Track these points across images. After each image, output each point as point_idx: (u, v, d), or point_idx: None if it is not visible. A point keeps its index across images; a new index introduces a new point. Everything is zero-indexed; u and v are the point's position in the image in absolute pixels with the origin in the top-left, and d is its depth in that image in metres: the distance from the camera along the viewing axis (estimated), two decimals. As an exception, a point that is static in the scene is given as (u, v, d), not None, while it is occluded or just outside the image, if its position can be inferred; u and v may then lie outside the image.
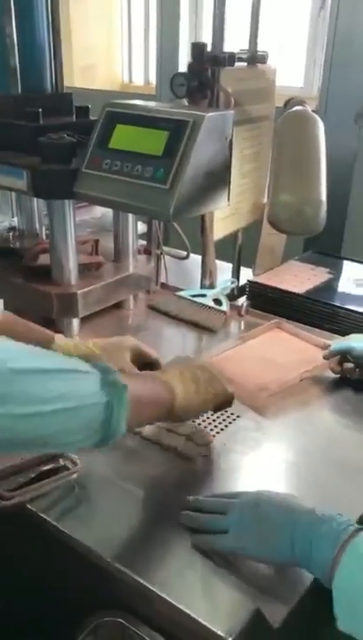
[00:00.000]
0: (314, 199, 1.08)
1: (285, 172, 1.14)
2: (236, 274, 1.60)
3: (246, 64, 1.40)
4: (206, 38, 1.29)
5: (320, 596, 0.72)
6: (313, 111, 2.37)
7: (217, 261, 1.63)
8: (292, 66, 3.26)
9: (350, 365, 1.17)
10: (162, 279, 1.59)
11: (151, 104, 1.18)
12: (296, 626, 0.81)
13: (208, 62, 1.27)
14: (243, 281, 1.57)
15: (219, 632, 0.70)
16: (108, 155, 1.14)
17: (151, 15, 3.75)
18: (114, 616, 0.85)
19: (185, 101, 1.32)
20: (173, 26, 3.32)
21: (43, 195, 1.22)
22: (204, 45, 1.26)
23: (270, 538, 0.75)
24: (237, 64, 1.35)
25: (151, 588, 0.75)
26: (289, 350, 1.28)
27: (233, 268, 1.60)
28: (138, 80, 4.18)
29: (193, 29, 3.52)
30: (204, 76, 1.27)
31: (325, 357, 1.20)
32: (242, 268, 1.67)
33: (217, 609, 0.73)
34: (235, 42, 1.40)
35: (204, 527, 0.82)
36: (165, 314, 1.45)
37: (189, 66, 1.27)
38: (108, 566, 0.79)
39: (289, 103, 1.34)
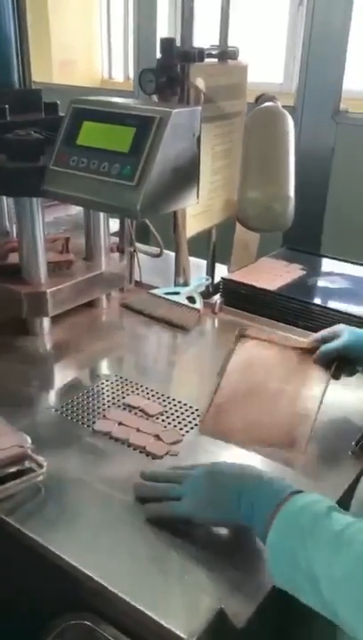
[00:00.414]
0: (282, 195, 1.08)
1: (253, 169, 1.14)
2: (210, 271, 1.59)
3: (216, 60, 1.39)
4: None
5: (288, 594, 0.72)
6: (291, 107, 2.37)
7: (192, 258, 1.63)
8: (272, 62, 3.26)
9: (353, 368, 1.07)
10: (136, 277, 1.58)
11: (118, 100, 1.16)
12: (263, 625, 0.81)
13: (177, 58, 1.26)
14: (218, 278, 1.56)
15: (181, 634, 0.69)
16: (76, 152, 1.13)
17: (131, 10, 3.73)
18: (81, 618, 0.84)
19: (155, 98, 1.31)
20: (150, 21, 3.30)
21: (10, 192, 1.21)
22: (172, 40, 1.25)
23: (220, 500, 0.79)
24: (208, 60, 1.35)
25: (114, 590, 0.74)
26: (274, 366, 1.08)
27: (208, 265, 1.60)
28: (118, 76, 4.16)
29: (172, 25, 3.50)
30: (173, 71, 1.26)
31: (316, 361, 1.07)
32: (218, 265, 1.66)
33: (180, 610, 0.73)
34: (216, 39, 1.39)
35: (159, 495, 0.85)
36: (139, 312, 1.44)
37: (158, 62, 1.26)
38: (72, 569, 0.78)
39: (260, 99, 1.34)
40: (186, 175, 1.13)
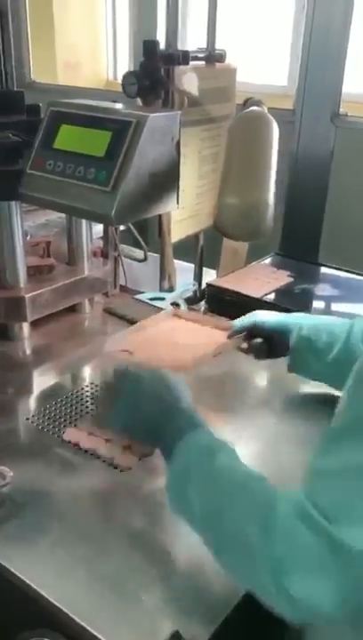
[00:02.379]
0: (261, 203, 1.05)
1: (233, 175, 1.11)
2: (198, 276, 1.57)
3: (203, 63, 1.37)
4: (189, 35, 1.26)
5: (253, 615, 0.69)
6: (290, 110, 2.33)
7: (182, 262, 1.60)
8: (276, 65, 3.23)
9: (258, 340, 1.12)
10: (122, 282, 1.55)
11: (98, 103, 1.14)
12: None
13: (161, 60, 1.24)
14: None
15: (132, 659, 0.67)
16: (53, 155, 1.11)
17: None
18: (41, 635, 0.82)
19: (140, 101, 1.28)
20: (150, 23, 3.27)
21: (-14, 196, 1.19)
22: (155, 43, 1.23)
23: (143, 428, 0.83)
24: (195, 63, 1.32)
25: (67, 612, 0.72)
26: (194, 334, 1.20)
27: (195, 270, 1.57)
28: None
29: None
30: (156, 74, 1.24)
31: (229, 337, 1.14)
32: (209, 270, 1.64)
33: (135, 633, 0.70)
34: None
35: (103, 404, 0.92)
36: (121, 318, 1.42)
37: (141, 64, 1.24)
38: (27, 588, 0.76)
39: (247, 103, 1.31)
40: (165, 180, 1.11)
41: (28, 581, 0.75)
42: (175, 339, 1.18)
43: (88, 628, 0.70)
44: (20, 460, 0.95)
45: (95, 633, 0.69)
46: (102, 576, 0.77)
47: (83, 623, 0.70)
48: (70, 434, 1.01)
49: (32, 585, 0.75)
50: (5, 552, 0.79)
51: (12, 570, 0.77)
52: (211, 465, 0.74)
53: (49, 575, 0.77)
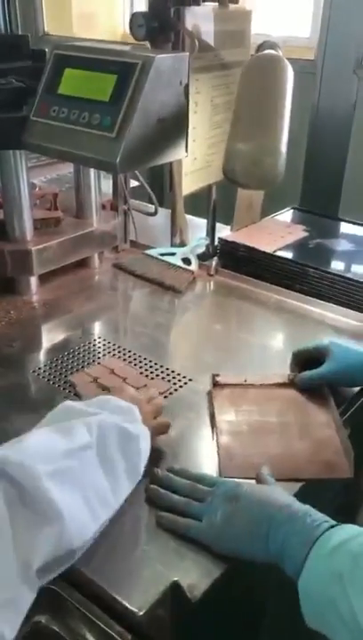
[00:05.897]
0: (272, 149, 1.00)
1: (243, 120, 1.06)
2: (210, 231, 1.53)
3: (216, 4, 1.30)
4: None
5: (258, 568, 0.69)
6: (311, 60, 2.24)
7: (195, 218, 1.57)
8: (300, 15, 3.11)
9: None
10: (132, 237, 1.52)
11: (104, 45, 1.09)
12: (223, 602, 0.78)
13: (171, 0, 1.18)
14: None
15: (129, 606, 0.67)
16: (57, 101, 1.07)
17: None
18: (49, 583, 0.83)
19: (148, 45, 1.23)
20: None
21: (-11, 145, 1.15)
22: (165, -19, 1.16)
23: (245, 534, 0.71)
24: (207, 4, 1.26)
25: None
26: (262, 404, 1.00)
27: (208, 225, 1.53)
28: (139, 30, 4.01)
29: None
30: (166, 15, 1.18)
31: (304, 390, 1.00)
32: (223, 225, 1.60)
33: (134, 581, 0.70)
34: None
35: (177, 509, 0.77)
36: (131, 273, 1.39)
37: (151, 4, 1.18)
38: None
39: (261, 46, 1.24)
40: (173, 127, 1.07)
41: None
42: (260, 417, 0.95)
43: (88, 576, 0.70)
44: (24, 412, 0.94)
45: (95, 580, 0.69)
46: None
47: (83, 570, 0.70)
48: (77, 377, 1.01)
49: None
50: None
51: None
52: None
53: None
